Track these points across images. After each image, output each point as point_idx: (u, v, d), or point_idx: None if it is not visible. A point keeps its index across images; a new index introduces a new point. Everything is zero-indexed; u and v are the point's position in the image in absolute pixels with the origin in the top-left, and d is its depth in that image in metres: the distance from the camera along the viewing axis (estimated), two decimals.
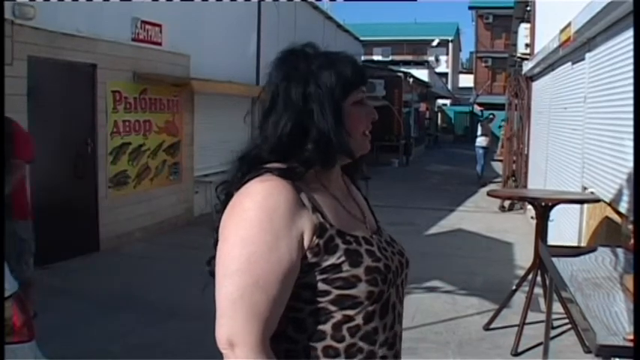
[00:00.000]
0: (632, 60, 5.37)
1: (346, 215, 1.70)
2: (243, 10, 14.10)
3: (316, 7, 19.94)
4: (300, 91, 1.63)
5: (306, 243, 1.56)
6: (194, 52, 11.56)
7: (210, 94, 11.83)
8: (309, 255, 1.56)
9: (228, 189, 1.68)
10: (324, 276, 1.57)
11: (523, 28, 14.79)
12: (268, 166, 1.62)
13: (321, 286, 1.57)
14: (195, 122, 11.97)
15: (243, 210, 1.55)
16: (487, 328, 5.95)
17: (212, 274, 1.64)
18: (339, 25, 23.43)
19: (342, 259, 1.57)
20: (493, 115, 21.91)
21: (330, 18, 21.86)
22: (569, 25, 7.85)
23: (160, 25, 10.48)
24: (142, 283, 7.55)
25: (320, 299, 1.58)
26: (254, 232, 1.52)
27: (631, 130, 5.26)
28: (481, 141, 19.13)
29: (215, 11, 12.49)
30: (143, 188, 10.28)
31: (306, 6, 18.59)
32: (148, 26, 10.19)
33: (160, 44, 10.54)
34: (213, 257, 1.63)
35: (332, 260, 1.57)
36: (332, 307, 1.58)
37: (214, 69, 12.27)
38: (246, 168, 1.66)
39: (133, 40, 9.88)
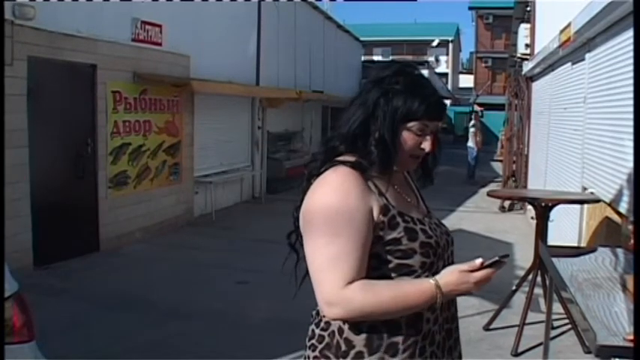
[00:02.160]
0: (632, 60, 5.37)
1: (404, 200, 2.06)
2: (243, 10, 14.11)
3: (316, 7, 19.94)
4: (375, 95, 1.97)
5: (374, 219, 1.90)
6: (194, 52, 11.56)
7: (210, 94, 11.83)
8: (376, 230, 1.91)
9: (309, 176, 2.02)
10: (387, 248, 1.92)
11: (523, 29, 14.79)
12: (340, 159, 1.97)
13: (385, 256, 1.92)
14: (196, 122, 11.97)
15: (324, 193, 1.90)
16: (487, 328, 5.95)
17: (291, 245, 2.06)
18: (339, 26, 23.43)
19: (402, 234, 1.93)
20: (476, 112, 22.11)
21: (330, 18, 21.86)
22: (569, 25, 7.85)
23: (160, 26, 10.48)
24: (142, 283, 7.55)
25: (383, 267, 1.92)
26: (335, 210, 1.85)
27: (631, 130, 5.26)
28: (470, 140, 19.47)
29: (215, 11, 12.49)
30: (143, 188, 10.28)
31: (306, 6, 18.59)
32: (148, 26, 10.19)
33: (160, 44, 10.53)
34: (292, 232, 2.06)
35: (394, 235, 1.92)
36: (392, 274, 1.93)
37: (214, 69, 12.27)
38: (324, 158, 2.01)
39: (133, 40, 9.88)
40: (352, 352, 1.91)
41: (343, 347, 1.92)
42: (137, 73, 9.89)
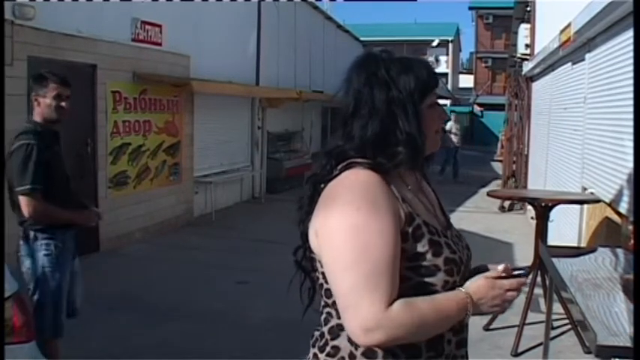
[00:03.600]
0: (631, 60, 5.37)
1: (425, 208, 1.84)
2: (243, 10, 14.11)
3: (316, 7, 19.94)
4: (383, 96, 1.76)
5: (399, 229, 1.67)
6: (194, 52, 11.56)
7: (210, 94, 11.83)
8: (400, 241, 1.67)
9: (316, 182, 1.81)
10: (409, 263, 1.69)
11: (523, 29, 14.80)
12: (358, 160, 1.74)
13: (405, 272, 1.68)
14: (195, 122, 11.97)
15: (347, 200, 1.66)
16: (487, 328, 5.95)
17: (298, 264, 1.87)
18: (339, 26, 23.44)
19: (427, 247, 1.70)
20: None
21: (330, 18, 21.87)
22: (569, 25, 7.85)
23: (159, 26, 10.48)
24: (142, 283, 7.55)
25: (401, 285, 1.65)
26: (363, 221, 1.62)
27: (631, 130, 5.26)
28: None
29: (215, 11, 12.49)
30: (143, 188, 10.28)
31: (306, 6, 18.59)
32: (147, 26, 10.19)
33: (159, 44, 10.53)
34: (299, 247, 1.84)
35: (418, 248, 1.70)
36: (410, 293, 1.66)
37: (214, 69, 12.27)
38: (335, 162, 1.78)
39: (133, 40, 9.88)
40: None
41: None
42: (137, 73, 9.89)
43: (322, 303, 1.82)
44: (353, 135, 1.78)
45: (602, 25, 6.32)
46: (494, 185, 17.40)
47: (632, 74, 5.36)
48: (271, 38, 15.51)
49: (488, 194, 6.93)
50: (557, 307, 5.58)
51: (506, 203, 13.51)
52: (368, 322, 1.58)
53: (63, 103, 4.19)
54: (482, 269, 1.83)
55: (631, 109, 5.32)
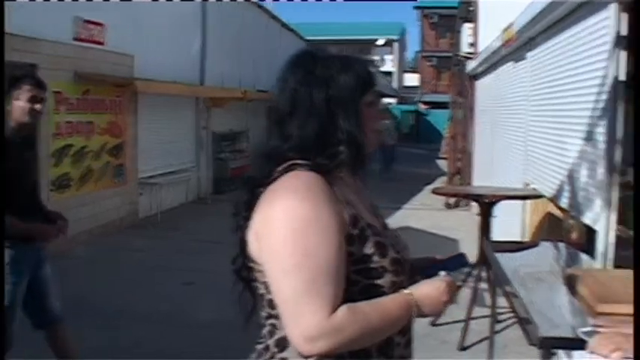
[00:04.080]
0: (571, 59, 5.50)
1: (366, 209, 1.79)
2: (188, 10, 13.99)
3: (261, 7, 19.88)
4: (321, 95, 1.70)
5: (344, 232, 1.62)
6: (138, 51, 11.41)
7: (154, 94, 11.70)
8: (346, 245, 1.62)
9: (254, 186, 1.74)
10: (356, 266, 1.64)
11: (467, 28, 14.98)
12: (298, 162, 1.68)
13: (353, 276, 1.63)
14: (139, 123, 11.82)
15: (288, 204, 1.59)
16: (434, 324, 6.00)
17: (237, 273, 1.78)
18: (283, 25, 23.40)
19: (373, 249, 1.66)
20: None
21: (274, 17, 21.82)
22: (511, 25, 7.98)
23: (102, 25, 10.31)
24: (88, 286, 7.42)
25: (349, 289, 1.61)
26: (305, 224, 1.56)
27: (571, 127, 5.39)
28: None
29: (159, 11, 12.35)
30: (87, 190, 10.11)
31: (250, 5, 18.52)
32: (90, 25, 10.02)
33: (102, 44, 10.37)
34: (238, 255, 1.75)
35: (365, 251, 1.65)
36: (359, 297, 1.62)
37: (158, 69, 12.13)
38: (273, 165, 1.71)
39: (75, 39, 9.71)
40: None
41: None
42: (79, 73, 9.71)
43: (264, 314, 1.75)
44: (290, 135, 1.72)
45: (542, 24, 6.44)
46: (440, 182, 17.61)
47: (570, 72, 5.49)
48: (216, 38, 15.40)
49: (433, 192, 7.00)
50: (503, 302, 5.68)
51: (452, 200, 13.68)
52: (310, 331, 1.52)
53: (37, 106, 4.01)
54: (425, 262, 1.87)
55: (571, 106, 5.45)
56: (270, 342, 1.71)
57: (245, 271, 1.77)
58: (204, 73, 14.89)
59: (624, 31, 4.27)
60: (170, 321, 6.22)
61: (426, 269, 1.87)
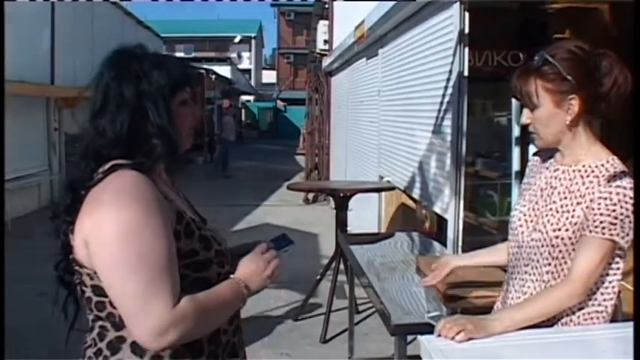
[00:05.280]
0: (419, 55, 5.72)
1: (186, 206, 1.84)
2: (36, 7, 13.31)
3: (115, 3, 19.28)
4: (132, 89, 1.71)
5: (172, 228, 1.65)
6: None
7: None
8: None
9: (76, 188, 1.70)
10: (185, 261, 1.66)
11: (322, 25, 15.20)
12: (117, 162, 1.66)
13: (182, 270, 1.65)
14: None
15: (117, 205, 1.58)
16: (296, 318, 6.05)
17: (60, 279, 1.79)
18: (139, 22, 22.80)
19: (198, 243, 1.70)
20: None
21: (129, 14, 21.23)
22: (362, 22, 8.18)
23: None
24: None
25: (180, 282, 1.63)
26: (137, 224, 1.56)
27: (420, 121, 5.60)
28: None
29: (6, 9, 11.68)
30: None
31: (103, 2, 17.92)
32: None
33: None
34: (61, 261, 1.75)
35: (191, 245, 1.69)
36: (190, 290, 1.65)
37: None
38: (94, 165, 1.69)
39: None
40: None
41: None
42: None
43: (92, 317, 1.72)
44: (104, 130, 1.71)
45: (392, 22, 6.65)
46: (299, 178, 17.77)
47: (418, 68, 5.70)
48: (66, 35, 14.77)
49: (289, 187, 7.04)
50: (362, 292, 5.81)
51: (311, 195, 13.84)
52: (159, 325, 1.55)
53: None
54: (251, 247, 1.89)
55: (419, 101, 5.67)
56: (102, 345, 1.70)
57: (68, 276, 1.76)
58: (54, 72, 14.25)
59: (467, 29, 4.49)
60: (29, 333, 5.93)
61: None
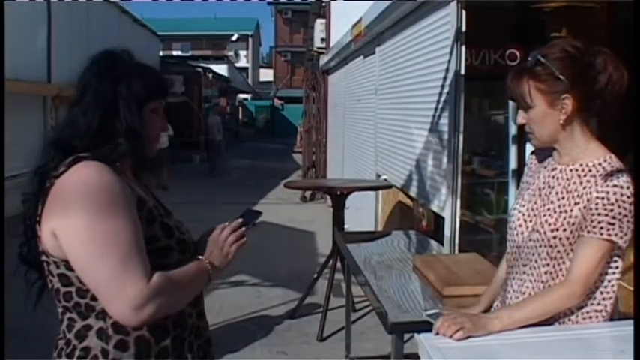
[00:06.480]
0: (416, 54, 5.72)
1: (148, 195, 1.91)
2: (32, 6, 13.28)
3: (111, 1, 19.25)
4: (110, 88, 1.82)
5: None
6: None
7: None
8: None
9: (43, 177, 1.78)
10: (146, 247, 1.73)
11: (319, 24, 15.20)
12: (82, 155, 1.75)
13: None
14: None
15: (83, 195, 1.67)
16: (293, 316, 6.07)
17: (23, 259, 1.86)
18: (135, 20, 22.77)
19: (159, 231, 1.81)
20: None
21: (126, 12, 21.19)
22: (360, 20, 8.18)
23: None
24: None
25: None
26: (105, 210, 1.66)
27: (417, 119, 5.60)
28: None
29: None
30: None
31: (100, 2, 17.89)
32: None
33: None
34: (24, 243, 1.84)
35: (152, 232, 1.78)
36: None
37: None
38: (62, 155, 1.77)
39: None
40: None
41: None
42: None
43: (60, 309, 1.80)
44: (77, 121, 1.81)
45: (389, 20, 6.65)
46: (296, 176, 17.77)
47: (415, 67, 5.71)
48: (63, 33, 14.76)
49: (285, 185, 7.04)
50: (359, 291, 5.81)
51: (308, 193, 13.85)
52: (137, 300, 1.64)
53: None
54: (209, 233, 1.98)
55: (416, 99, 5.67)
56: (70, 335, 1.77)
57: (30, 255, 1.84)
58: (50, 71, 14.24)
59: (464, 28, 4.50)
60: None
61: None
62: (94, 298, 1.71)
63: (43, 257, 1.76)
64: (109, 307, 1.67)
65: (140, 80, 1.87)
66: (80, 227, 1.65)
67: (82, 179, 1.69)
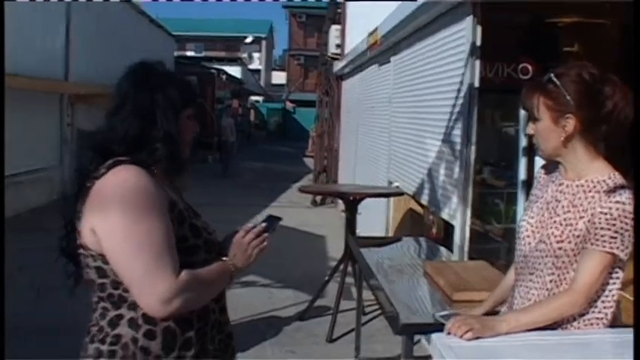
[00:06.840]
0: (431, 65, 5.83)
1: (179, 197, 2.04)
2: (51, 5, 13.44)
3: (128, 1, 19.40)
4: (148, 97, 1.96)
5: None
6: None
7: (15, 88, 11.19)
8: None
9: (83, 178, 1.92)
10: (176, 245, 1.87)
11: (334, 29, 15.24)
12: (119, 158, 1.89)
13: None
14: None
15: (122, 197, 1.82)
16: (303, 318, 6.16)
17: (64, 251, 1.99)
18: (151, 20, 22.93)
19: (188, 231, 1.93)
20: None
21: (142, 12, 21.35)
22: (376, 29, 8.27)
23: None
24: None
25: None
26: (141, 211, 1.81)
27: (431, 129, 5.71)
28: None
29: (21, 7, 11.80)
30: None
31: (116, 0, 18.05)
32: None
33: None
34: (64, 237, 1.97)
35: (182, 232, 1.91)
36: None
37: (19, 65, 11.62)
38: (100, 159, 1.91)
39: None
40: (150, 359, 1.89)
41: (140, 356, 1.87)
42: None
43: (95, 299, 1.94)
44: (116, 127, 1.94)
45: (406, 30, 6.73)
46: (307, 180, 17.81)
47: (430, 77, 5.81)
48: (81, 33, 14.90)
49: (300, 190, 7.14)
50: (369, 294, 5.90)
51: (319, 198, 13.91)
52: (166, 293, 1.78)
53: None
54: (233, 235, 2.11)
55: (431, 109, 5.78)
56: (104, 323, 1.91)
57: (69, 248, 1.97)
58: (68, 69, 14.40)
59: (479, 42, 4.62)
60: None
61: None
62: (126, 290, 1.85)
63: (81, 250, 1.91)
64: (140, 300, 1.82)
65: (175, 89, 2.00)
66: (118, 227, 1.80)
67: (120, 182, 1.84)
